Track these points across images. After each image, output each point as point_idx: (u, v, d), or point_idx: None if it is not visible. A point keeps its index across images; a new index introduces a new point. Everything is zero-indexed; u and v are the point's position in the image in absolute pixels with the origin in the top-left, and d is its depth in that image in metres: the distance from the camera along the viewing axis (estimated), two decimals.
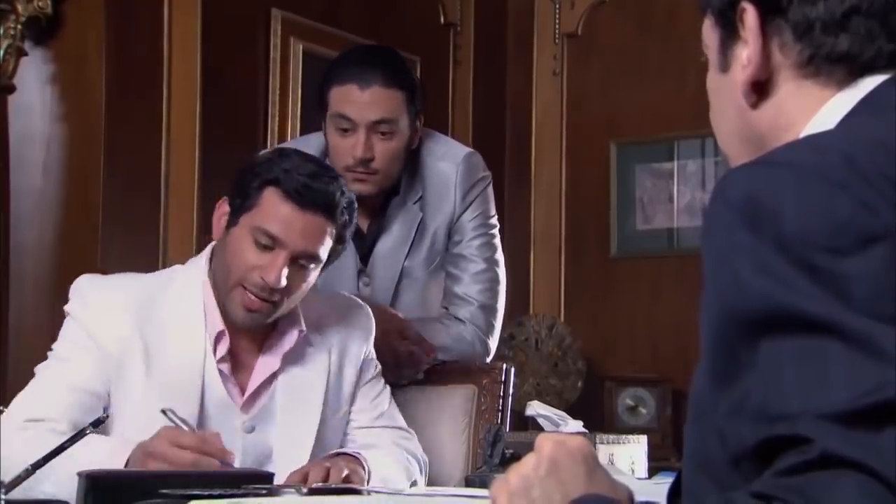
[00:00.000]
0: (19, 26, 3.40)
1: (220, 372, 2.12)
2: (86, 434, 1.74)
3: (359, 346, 2.31)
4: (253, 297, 2.08)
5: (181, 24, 3.74)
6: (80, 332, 2.10)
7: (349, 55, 2.80)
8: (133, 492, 1.61)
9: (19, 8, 3.39)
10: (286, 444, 2.14)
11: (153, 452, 1.86)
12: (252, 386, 2.16)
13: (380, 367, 2.37)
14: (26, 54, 3.46)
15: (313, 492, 1.82)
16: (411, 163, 2.78)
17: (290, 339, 2.19)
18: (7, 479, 1.60)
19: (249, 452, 2.12)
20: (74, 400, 2.04)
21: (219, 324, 2.12)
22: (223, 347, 2.12)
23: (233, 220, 2.12)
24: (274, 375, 2.18)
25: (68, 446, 1.71)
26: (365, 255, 2.75)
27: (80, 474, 1.67)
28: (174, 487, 1.60)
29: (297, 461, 2.08)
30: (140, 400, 2.04)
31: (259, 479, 1.74)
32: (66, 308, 2.15)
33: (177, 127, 3.73)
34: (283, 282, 2.07)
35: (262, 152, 2.28)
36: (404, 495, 1.88)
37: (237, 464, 1.95)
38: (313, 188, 2.08)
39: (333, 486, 1.90)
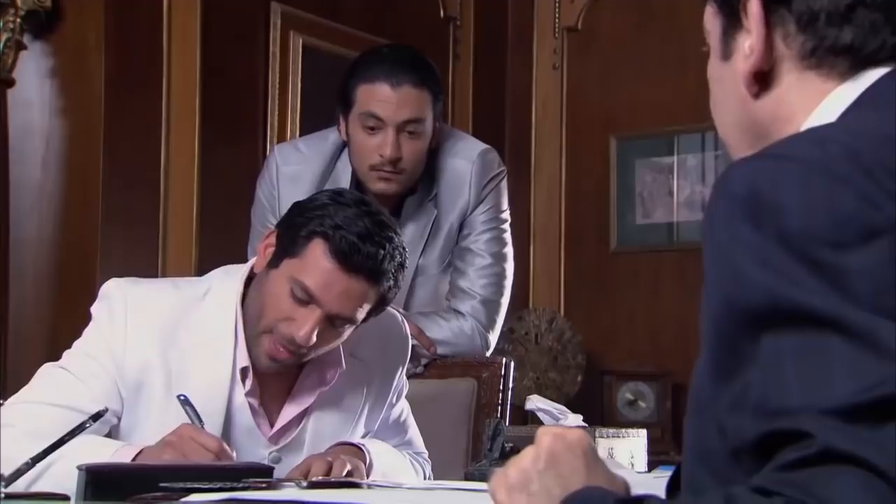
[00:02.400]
0: (19, 20, 3.40)
1: (249, 404, 2.05)
2: (86, 428, 1.74)
3: (397, 377, 2.24)
4: (280, 348, 1.98)
5: (181, 17, 3.74)
6: (104, 350, 2.01)
7: (378, 54, 2.79)
8: (133, 485, 1.60)
9: (19, 1, 3.39)
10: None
11: (172, 442, 1.84)
12: (282, 421, 2.10)
13: (407, 386, 2.30)
14: (25, 48, 3.46)
15: (313, 485, 1.82)
16: (428, 161, 2.79)
17: (328, 378, 2.10)
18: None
19: None
20: (77, 422, 1.88)
21: (244, 359, 2.03)
22: (250, 381, 2.05)
23: (275, 260, 2.00)
24: (307, 410, 2.11)
25: (68, 439, 1.70)
26: None
27: (79, 467, 1.66)
28: (174, 481, 1.59)
29: None
30: (159, 421, 1.95)
31: (259, 473, 1.74)
32: (93, 312, 2.06)
33: (176, 121, 3.73)
34: (313, 340, 1.97)
35: (322, 192, 2.08)
36: (404, 489, 1.88)
37: None
38: (361, 251, 1.94)
39: (334, 479, 1.90)
